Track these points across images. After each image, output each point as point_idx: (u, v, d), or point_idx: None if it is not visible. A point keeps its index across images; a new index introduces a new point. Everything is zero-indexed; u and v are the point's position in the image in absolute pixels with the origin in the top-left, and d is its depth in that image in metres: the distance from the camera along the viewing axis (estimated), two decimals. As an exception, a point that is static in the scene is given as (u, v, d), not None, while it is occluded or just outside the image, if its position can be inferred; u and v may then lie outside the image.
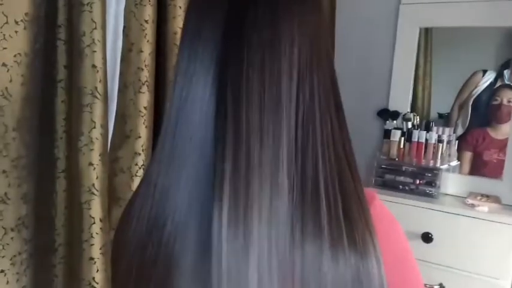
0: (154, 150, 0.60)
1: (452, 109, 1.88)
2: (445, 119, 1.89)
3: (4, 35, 0.96)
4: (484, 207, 1.56)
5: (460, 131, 1.86)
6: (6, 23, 0.96)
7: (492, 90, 1.79)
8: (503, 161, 1.72)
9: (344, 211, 0.52)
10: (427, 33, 1.90)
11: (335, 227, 0.50)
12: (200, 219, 0.52)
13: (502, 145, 1.74)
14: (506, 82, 1.76)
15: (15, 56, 0.98)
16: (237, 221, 0.49)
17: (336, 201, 0.52)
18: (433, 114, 1.92)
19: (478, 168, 1.81)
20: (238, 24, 0.52)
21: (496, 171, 1.75)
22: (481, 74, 1.81)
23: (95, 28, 1.06)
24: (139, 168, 1.25)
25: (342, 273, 0.50)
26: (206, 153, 0.52)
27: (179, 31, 1.31)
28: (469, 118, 1.84)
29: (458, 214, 1.54)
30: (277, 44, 0.52)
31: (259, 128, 0.50)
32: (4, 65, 0.96)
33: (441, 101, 1.92)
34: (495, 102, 1.77)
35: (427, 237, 1.57)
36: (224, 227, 0.49)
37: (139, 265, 0.56)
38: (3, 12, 0.95)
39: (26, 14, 0.99)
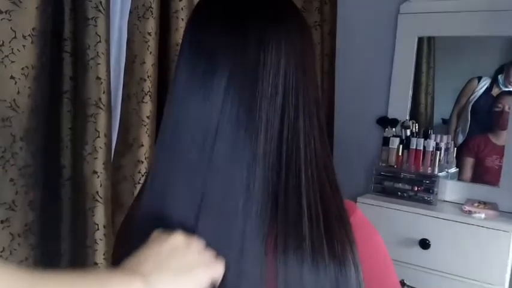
0: (153, 161, 0.63)
1: (451, 116, 1.91)
2: (447, 125, 1.92)
3: (12, 49, 1.00)
4: (480, 214, 1.58)
5: (460, 138, 1.88)
6: (15, 37, 1.00)
7: (490, 96, 1.82)
8: (503, 167, 1.74)
9: (324, 223, 0.55)
10: (429, 40, 1.93)
11: (316, 238, 0.54)
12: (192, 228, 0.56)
13: (503, 151, 1.76)
14: (501, 87, 1.79)
15: (22, 69, 1.02)
16: (217, 236, 0.55)
17: (317, 214, 0.55)
18: (437, 120, 1.95)
19: (479, 174, 1.83)
20: (227, 47, 0.56)
21: (496, 178, 1.77)
22: (476, 80, 1.85)
23: (99, 41, 1.10)
24: (142, 175, 1.28)
25: (322, 281, 0.53)
26: (200, 166, 0.56)
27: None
28: (468, 125, 1.87)
29: (455, 221, 1.57)
30: (262, 65, 0.55)
31: (243, 145, 0.55)
32: (12, 77, 1.01)
33: (444, 107, 1.94)
34: (497, 109, 1.80)
35: (424, 244, 1.59)
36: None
37: None
38: (11, 28, 0.99)
39: (33, 29, 1.03)
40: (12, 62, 1.00)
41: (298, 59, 0.58)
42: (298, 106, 0.57)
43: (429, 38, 1.93)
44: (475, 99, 1.85)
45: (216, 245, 0.54)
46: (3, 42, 0.98)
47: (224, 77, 0.56)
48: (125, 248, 0.63)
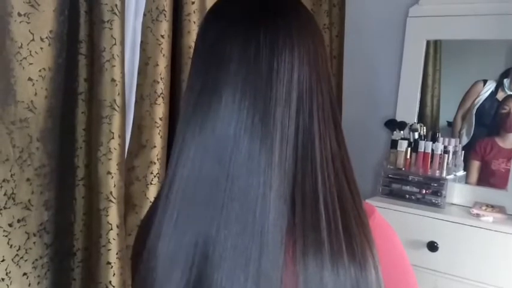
0: (164, 180, 0.63)
1: (455, 119, 1.91)
2: (452, 128, 1.93)
3: (30, 51, 1.02)
4: (488, 217, 1.59)
5: (464, 140, 1.89)
6: (33, 40, 1.02)
7: (495, 100, 1.82)
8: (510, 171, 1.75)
9: (343, 225, 0.56)
10: (436, 43, 1.94)
11: (335, 240, 0.55)
12: (193, 253, 0.57)
13: (510, 154, 1.76)
14: (507, 91, 1.80)
15: (40, 70, 1.04)
16: (236, 244, 0.55)
17: (335, 216, 0.56)
18: (443, 122, 1.96)
19: (485, 177, 1.84)
20: (240, 56, 0.57)
21: (503, 181, 1.77)
22: (481, 83, 1.85)
23: (115, 44, 1.12)
24: (154, 176, 1.30)
25: (342, 284, 0.54)
26: (219, 176, 0.57)
27: (193, 45, 1.36)
28: (473, 127, 1.87)
29: (463, 224, 1.58)
30: (276, 72, 0.56)
31: (259, 153, 0.55)
32: (30, 79, 1.02)
33: (450, 110, 1.95)
34: (503, 111, 1.80)
35: (432, 246, 1.60)
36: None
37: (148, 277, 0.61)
38: (29, 30, 1.01)
39: (51, 31, 1.05)
40: (30, 64, 1.02)
41: (311, 63, 0.59)
42: (312, 110, 0.58)
43: (435, 41, 1.94)
44: (480, 103, 1.86)
45: (236, 254, 0.55)
46: (21, 44, 1.00)
47: (237, 85, 0.56)
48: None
